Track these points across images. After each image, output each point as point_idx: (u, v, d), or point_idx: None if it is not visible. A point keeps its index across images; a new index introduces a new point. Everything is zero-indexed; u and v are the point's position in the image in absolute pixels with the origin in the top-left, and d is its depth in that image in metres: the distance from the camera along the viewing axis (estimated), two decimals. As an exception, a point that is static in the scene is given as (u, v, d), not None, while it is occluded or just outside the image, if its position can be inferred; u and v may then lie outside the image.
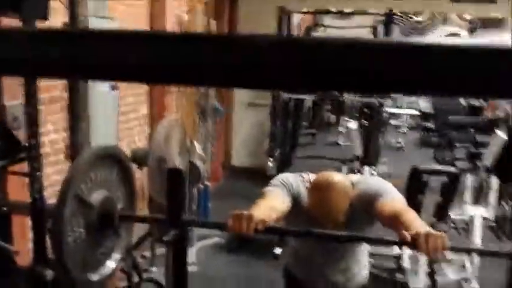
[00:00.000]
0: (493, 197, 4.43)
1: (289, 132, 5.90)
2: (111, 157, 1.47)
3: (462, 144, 7.63)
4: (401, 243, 1.37)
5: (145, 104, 3.96)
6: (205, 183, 4.53)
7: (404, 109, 8.99)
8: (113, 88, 2.90)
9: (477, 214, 3.94)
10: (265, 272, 3.87)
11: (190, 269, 3.43)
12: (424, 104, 9.91)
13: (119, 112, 3.19)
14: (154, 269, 3.68)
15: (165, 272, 1.55)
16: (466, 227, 4.17)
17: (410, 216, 1.51)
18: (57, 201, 1.39)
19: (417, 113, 9.10)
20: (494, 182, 4.38)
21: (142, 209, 3.81)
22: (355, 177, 1.87)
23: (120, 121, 3.31)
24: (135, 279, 3.06)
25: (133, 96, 3.75)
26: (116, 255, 1.49)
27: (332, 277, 1.98)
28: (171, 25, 4.04)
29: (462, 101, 10.23)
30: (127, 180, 1.56)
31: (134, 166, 2.65)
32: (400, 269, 3.91)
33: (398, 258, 3.87)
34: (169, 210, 1.48)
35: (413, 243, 1.33)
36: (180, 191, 1.50)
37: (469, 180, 4.35)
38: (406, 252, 3.90)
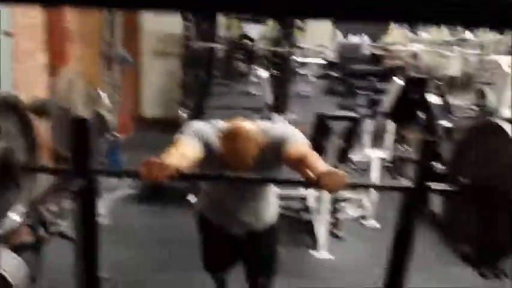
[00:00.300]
0: (389, 140, 4.82)
1: (202, 82, 5.85)
2: (7, 106, 1.38)
3: (364, 92, 8.11)
4: (306, 183, 1.48)
5: (44, 53, 3.68)
6: (115, 135, 4.41)
7: (312, 58, 9.24)
8: (7, 34, 2.65)
9: (375, 156, 4.26)
10: (180, 221, 3.91)
11: (101, 221, 3.39)
12: (330, 53, 10.28)
13: (15, 60, 2.94)
14: (62, 222, 3.57)
15: (74, 225, 1.52)
16: (366, 168, 4.53)
17: (314, 158, 1.62)
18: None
19: (323, 62, 9.42)
20: (391, 126, 4.75)
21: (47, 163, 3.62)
22: (264, 124, 1.93)
23: (16, 69, 3.07)
24: (42, 233, 2.97)
25: (30, 43, 3.46)
26: (19, 208, 1.44)
27: (243, 218, 2.08)
28: None
29: (365, 50, 10.77)
30: (27, 131, 1.48)
31: (34, 117, 2.50)
32: (306, 209, 4.18)
33: (304, 199, 4.13)
34: (75, 159, 1.44)
35: (317, 182, 1.43)
36: (86, 140, 1.45)
37: (368, 125, 4.67)
38: (311, 193, 4.18)
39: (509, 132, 1.41)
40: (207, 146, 1.83)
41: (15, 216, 1.44)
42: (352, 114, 4.04)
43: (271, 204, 2.15)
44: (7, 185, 1.37)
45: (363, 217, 4.25)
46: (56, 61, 3.65)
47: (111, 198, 4.22)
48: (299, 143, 1.79)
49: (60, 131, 2.72)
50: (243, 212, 2.06)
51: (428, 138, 1.55)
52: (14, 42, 2.87)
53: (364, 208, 4.31)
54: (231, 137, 1.78)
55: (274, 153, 1.81)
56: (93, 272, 1.60)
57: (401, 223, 1.54)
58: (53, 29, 3.71)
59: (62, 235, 3.35)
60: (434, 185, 1.48)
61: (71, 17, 3.92)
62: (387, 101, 4.86)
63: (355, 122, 3.65)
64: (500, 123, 1.48)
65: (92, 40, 4.49)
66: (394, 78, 4.94)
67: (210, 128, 1.89)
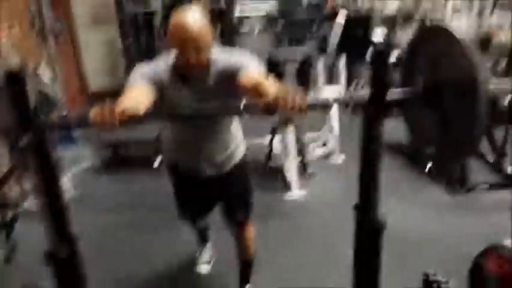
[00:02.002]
0: (342, 77, 4.87)
1: (144, 48, 5.65)
2: None
3: (308, 39, 8.12)
4: (266, 108, 1.38)
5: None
6: (64, 113, 4.20)
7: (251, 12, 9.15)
8: None
9: (331, 94, 4.29)
10: (148, 186, 3.85)
11: (68, 195, 3.27)
12: (269, 8, 10.18)
13: None
14: (27, 201, 3.41)
15: (33, 184, 1.43)
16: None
17: (271, 82, 1.57)
18: None
19: (265, 14, 9.34)
20: (342, 62, 4.79)
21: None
22: (217, 49, 1.82)
23: None
24: (8, 214, 2.85)
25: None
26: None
27: (210, 156, 2.02)
28: None
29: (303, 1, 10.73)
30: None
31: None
32: (273, 156, 4.19)
33: (270, 146, 4.12)
34: (18, 116, 1.35)
35: (276, 105, 1.34)
36: (23, 93, 1.34)
37: (320, 64, 4.69)
38: (276, 139, 4.18)
39: (454, 33, 1.43)
40: (159, 83, 1.74)
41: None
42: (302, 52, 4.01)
43: (236, 138, 2.09)
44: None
45: (329, 155, 4.31)
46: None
47: (75, 171, 4.07)
48: (256, 68, 1.72)
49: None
50: (209, 149, 2.00)
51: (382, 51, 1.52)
52: None
53: (329, 145, 4.37)
54: (177, 25, 1.64)
55: (230, 78, 1.72)
56: (64, 228, 1.52)
57: (365, 140, 1.53)
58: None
59: (28, 214, 3.22)
60: (390, 94, 1.47)
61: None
62: (333, 40, 4.90)
63: (305, 59, 3.64)
64: (445, 26, 1.51)
65: (20, 14, 4.18)
66: (337, 18, 4.98)
67: (157, 64, 1.80)
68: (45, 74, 3.99)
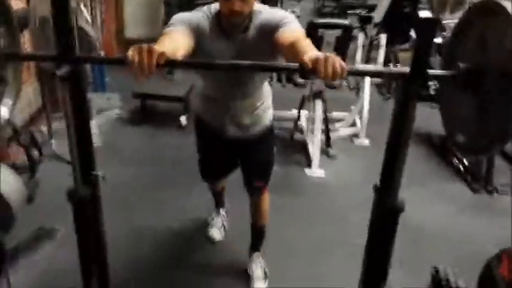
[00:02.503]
0: (381, 56, 4.71)
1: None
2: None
3: (354, 11, 7.85)
4: (301, 69, 1.32)
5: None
6: (100, 54, 4.23)
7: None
8: None
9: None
10: (173, 140, 3.89)
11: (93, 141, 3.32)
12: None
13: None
14: (53, 142, 3.50)
15: (65, 114, 1.42)
16: (357, 86, 4.47)
17: (309, 43, 1.51)
18: None
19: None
20: (383, 40, 4.62)
21: (28, 81, 3.49)
22: (259, 5, 1.80)
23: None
24: (35, 154, 2.92)
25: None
26: (7, 102, 1.34)
27: (239, 118, 2.03)
28: None
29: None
30: (6, 17, 1.35)
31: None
32: (299, 129, 4.16)
33: (296, 120, 4.08)
34: (59, 43, 1.32)
35: (312, 68, 1.28)
36: (68, 21, 1.32)
37: (360, 39, 4.53)
38: (303, 113, 4.13)
39: (510, 11, 1.30)
40: (198, 31, 1.71)
41: (3, 110, 1.35)
42: (343, 21, 3.86)
43: (265, 102, 2.09)
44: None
45: (355, 135, 4.25)
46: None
47: (103, 119, 4.12)
48: (295, 28, 1.68)
49: (43, 43, 2.57)
50: (238, 109, 2.00)
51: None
52: None
53: (356, 127, 4.30)
54: None
55: (268, 35, 1.69)
56: (89, 167, 1.54)
57: (398, 111, 1.47)
58: None
59: (55, 155, 3.31)
60: (431, 71, 1.40)
61: None
62: (378, 13, 4.69)
63: (346, 30, 3.51)
64: (501, 3, 1.37)
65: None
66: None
67: (199, 13, 1.78)
68: (85, 12, 3.99)
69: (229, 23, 1.74)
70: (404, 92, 1.42)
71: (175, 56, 1.42)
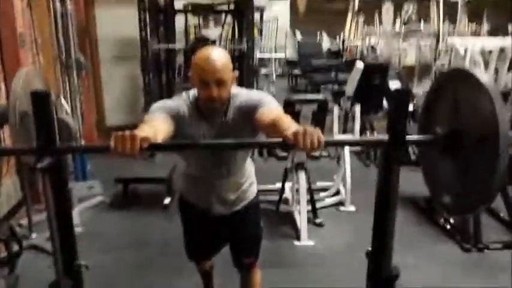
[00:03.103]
0: (357, 126, 4.87)
1: (165, 86, 5.75)
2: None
3: (326, 85, 8.21)
4: (283, 143, 1.39)
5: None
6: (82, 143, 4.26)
7: (272, 53, 9.31)
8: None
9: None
10: (157, 223, 3.82)
11: (76, 230, 3.24)
12: (289, 51, 10.38)
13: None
14: (34, 235, 3.41)
15: (46, 206, 1.42)
16: (336, 153, 4.56)
17: (288, 120, 1.57)
18: None
19: (285, 56, 9.49)
20: (357, 111, 4.80)
21: (7, 175, 3.46)
22: (236, 88, 1.88)
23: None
24: (15, 248, 2.83)
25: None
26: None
27: (223, 195, 2.03)
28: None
29: (323, 46, 10.93)
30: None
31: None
32: (284, 201, 4.15)
33: (281, 192, 4.09)
34: (40, 136, 1.35)
35: (293, 141, 1.34)
36: (48, 114, 1.36)
37: (335, 112, 4.70)
38: (287, 184, 4.15)
39: (479, 77, 1.39)
40: (177, 116, 1.75)
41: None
42: (319, 96, 4.03)
43: (249, 178, 2.11)
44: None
45: (340, 203, 4.26)
46: (10, 67, 3.50)
47: (84, 207, 4.06)
48: (273, 107, 1.75)
49: (22, 137, 2.57)
50: (222, 187, 2.01)
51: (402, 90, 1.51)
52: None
53: (340, 195, 4.32)
54: (201, 57, 1.70)
55: (247, 117, 1.75)
56: (72, 258, 1.50)
57: (383, 177, 1.50)
58: (4, 35, 3.55)
59: (35, 247, 3.21)
60: (409, 137, 1.46)
61: (22, 22, 3.77)
62: (350, 87, 4.91)
63: (322, 105, 3.65)
64: (469, 70, 1.47)
65: (45, 46, 4.33)
66: (356, 62, 4.99)
67: (178, 100, 1.84)
68: (65, 104, 4.07)
69: (208, 108, 1.79)
70: (386, 158, 1.46)
71: (157, 139, 1.46)
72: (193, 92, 1.85)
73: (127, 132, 1.31)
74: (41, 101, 1.37)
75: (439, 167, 1.58)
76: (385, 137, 1.47)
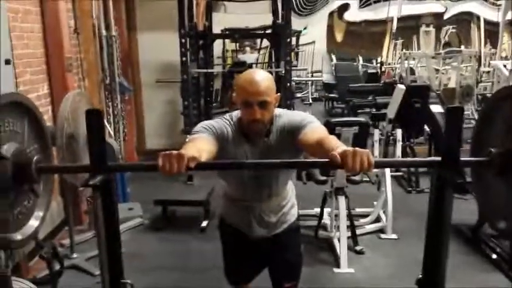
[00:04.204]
0: (398, 150, 4.76)
1: (203, 110, 5.83)
2: (20, 108, 1.30)
3: (364, 110, 8.11)
4: (330, 163, 1.35)
5: (45, 83, 3.66)
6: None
7: (309, 77, 9.31)
8: (7, 62, 2.61)
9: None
10: (195, 245, 3.82)
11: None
12: (326, 75, 10.36)
13: (16, 90, 2.90)
14: (75, 255, 3.46)
15: (95, 223, 1.43)
16: (377, 178, 4.45)
17: (334, 141, 1.54)
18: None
19: (323, 79, 9.46)
20: (399, 135, 4.70)
21: (52, 195, 3.55)
22: (279, 110, 1.86)
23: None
24: (56, 267, 2.88)
25: (32, 74, 3.45)
26: (38, 213, 1.35)
27: (264, 217, 2.00)
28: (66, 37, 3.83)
29: (360, 69, 10.85)
30: (40, 133, 1.41)
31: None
32: (322, 226, 4.06)
33: (320, 217, 4.01)
34: (93, 154, 1.39)
35: (341, 162, 1.32)
36: (102, 133, 1.40)
37: (376, 135, 4.62)
38: (326, 209, 4.07)
39: None
40: (221, 138, 1.76)
41: (35, 222, 1.35)
42: (360, 118, 3.97)
43: (290, 200, 2.08)
44: (23, 189, 1.29)
45: (381, 230, 4.13)
46: (58, 91, 3.63)
47: (125, 228, 4.10)
48: (317, 127, 1.73)
49: (68, 158, 2.65)
50: (264, 209, 1.99)
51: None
52: (14, 72, 2.83)
53: (382, 221, 4.20)
54: (244, 77, 1.73)
55: (290, 138, 1.74)
56: (118, 276, 1.50)
57: (435, 200, 1.44)
58: (52, 60, 3.70)
59: (76, 267, 3.26)
60: (463, 159, 1.40)
61: (70, 47, 3.93)
62: (391, 110, 4.82)
63: (364, 127, 3.58)
64: None
65: (91, 70, 4.48)
66: (398, 84, 4.91)
67: (221, 121, 1.84)
68: (107, 125, 4.18)
69: (251, 129, 1.79)
70: (439, 180, 1.40)
71: (201, 157, 1.45)
72: (236, 113, 1.85)
73: (174, 152, 1.33)
74: (95, 118, 1.41)
75: (494, 191, 1.51)
76: (438, 158, 1.41)
